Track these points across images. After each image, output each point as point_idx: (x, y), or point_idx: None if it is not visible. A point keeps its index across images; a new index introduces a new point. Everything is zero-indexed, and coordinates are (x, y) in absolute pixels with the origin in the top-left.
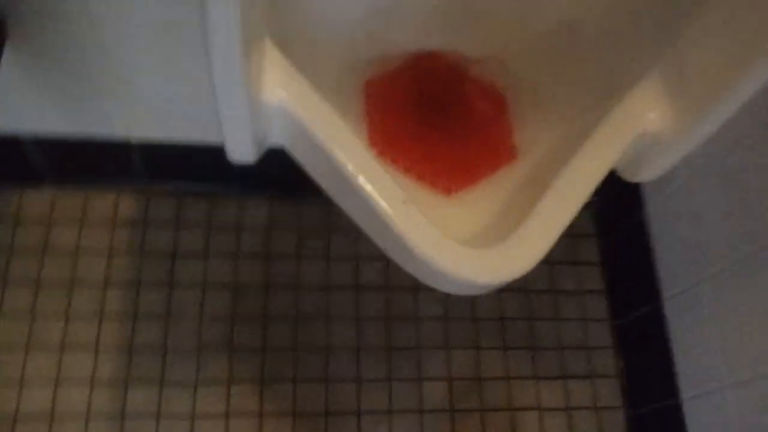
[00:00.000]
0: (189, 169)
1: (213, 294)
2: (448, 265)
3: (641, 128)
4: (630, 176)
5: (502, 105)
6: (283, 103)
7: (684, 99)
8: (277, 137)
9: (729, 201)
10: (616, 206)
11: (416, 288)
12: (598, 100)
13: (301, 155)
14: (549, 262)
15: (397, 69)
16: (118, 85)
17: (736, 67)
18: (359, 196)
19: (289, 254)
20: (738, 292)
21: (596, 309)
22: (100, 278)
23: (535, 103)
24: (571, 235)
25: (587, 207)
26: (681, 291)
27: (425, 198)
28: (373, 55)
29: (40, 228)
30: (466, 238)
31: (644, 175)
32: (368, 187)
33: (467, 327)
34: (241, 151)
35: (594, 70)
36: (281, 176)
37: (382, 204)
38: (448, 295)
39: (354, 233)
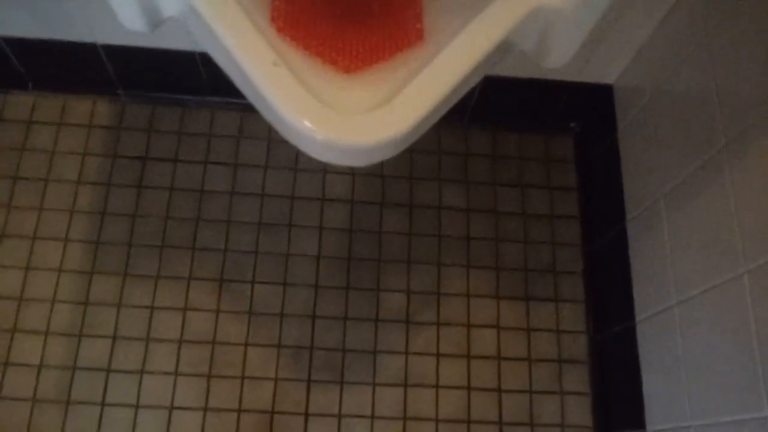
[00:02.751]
0: (162, 77)
1: (180, 197)
2: (312, 125)
3: (535, 3)
4: (542, 60)
5: None
6: None
7: None
8: (167, 7)
9: (679, 120)
10: (593, 132)
11: (382, 203)
12: None
13: (191, 26)
14: (523, 185)
15: None
16: None
17: None
18: (231, 58)
19: (256, 164)
20: (684, 210)
21: (568, 234)
22: (73, 177)
23: None
24: (550, 160)
25: (567, 132)
26: (641, 212)
27: (323, 74)
28: None
29: (21, 128)
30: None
31: (554, 57)
32: (237, 49)
33: (431, 243)
34: (131, 19)
35: None
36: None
37: (249, 64)
38: (412, 212)
39: None
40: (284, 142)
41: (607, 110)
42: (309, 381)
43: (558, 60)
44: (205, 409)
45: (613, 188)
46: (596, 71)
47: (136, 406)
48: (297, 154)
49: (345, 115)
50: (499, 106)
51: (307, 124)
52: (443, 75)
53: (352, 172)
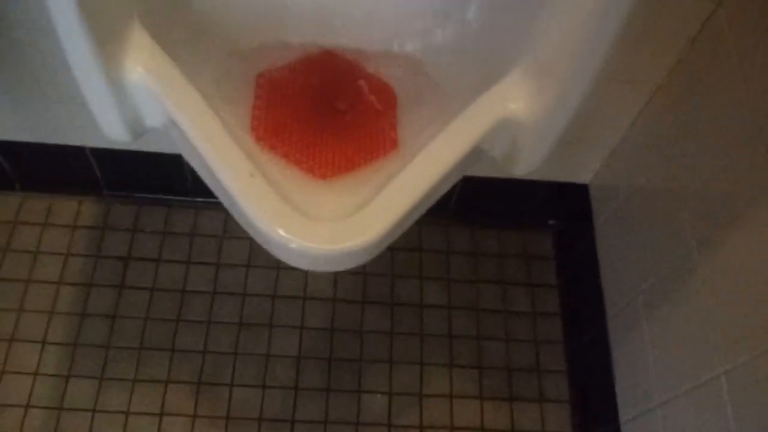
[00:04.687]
0: (147, 178)
1: (161, 297)
2: (284, 234)
3: (503, 114)
4: (511, 168)
5: (391, 100)
6: (143, 81)
7: (542, 83)
8: (150, 118)
9: (652, 219)
10: (572, 229)
11: (363, 301)
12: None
13: (173, 137)
14: (504, 282)
15: (292, 62)
16: (63, 94)
17: (581, 47)
18: (209, 168)
19: (239, 263)
20: (662, 308)
21: (550, 331)
22: (55, 277)
23: (420, 99)
24: (530, 256)
25: (546, 229)
26: (620, 309)
27: (300, 181)
28: (268, 47)
29: (5, 229)
30: (334, 220)
31: (522, 165)
32: (215, 161)
33: (413, 342)
34: (113, 130)
35: (475, 68)
36: None
37: (226, 176)
38: (393, 310)
39: None
40: None
41: (583, 208)
42: None
43: (526, 167)
44: None
45: (592, 285)
46: (571, 171)
47: None
48: None
49: (317, 223)
50: (478, 205)
51: (281, 232)
52: (414, 182)
53: (334, 276)
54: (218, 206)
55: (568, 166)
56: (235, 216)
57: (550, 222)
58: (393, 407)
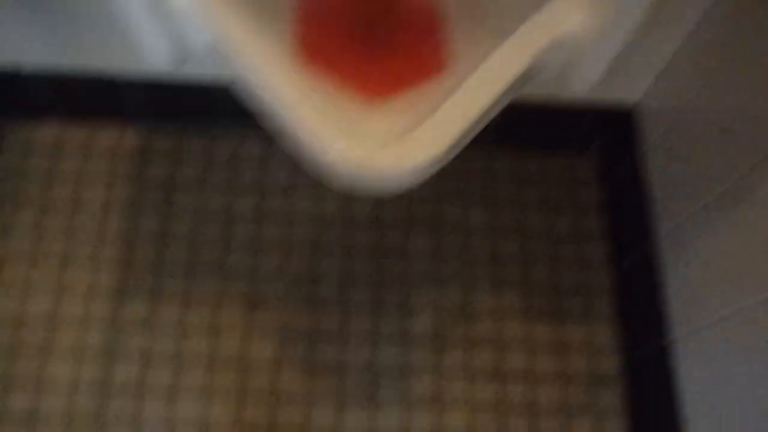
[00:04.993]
0: (187, 105)
1: (207, 222)
2: (339, 154)
3: (559, 31)
4: (565, 87)
5: (439, 19)
6: (186, 2)
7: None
8: (194, 41)
9: (703, 142)
10: (616, 152)
11: (409, 223)
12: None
13: (218, 59)
14: (548, 204)
15: None
16: (104, 19)
17: None
18: (258, 90)
19: (281, 189)
20: (722, 226)
21: (595, 253)
22: (100, 202)
23: (471, 17)
24: (573, 180)
25: (589, 153)
26: (673, 229)
27: (347, 104)
28: None
29: (48, 157)
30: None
31: (577, 83)
32: (264, 81)
33: (459, 264)
34: (155, 56)
35: None
36: None
37: (277, 96)
38: (438, 232)
39: None
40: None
41: (628, 131)
42: (339, 399)
43: (581, 86)
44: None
45: (638, 208)
46: (618, 93)
47: (173, 423)
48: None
49: (372, 143)
50: (522, 128)
51: (335, 153)
52: (467, 104)
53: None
54: (259, 133)
55: (615, 88)
56: (285, 137)
57: (593, 145)
58: (439, 324)
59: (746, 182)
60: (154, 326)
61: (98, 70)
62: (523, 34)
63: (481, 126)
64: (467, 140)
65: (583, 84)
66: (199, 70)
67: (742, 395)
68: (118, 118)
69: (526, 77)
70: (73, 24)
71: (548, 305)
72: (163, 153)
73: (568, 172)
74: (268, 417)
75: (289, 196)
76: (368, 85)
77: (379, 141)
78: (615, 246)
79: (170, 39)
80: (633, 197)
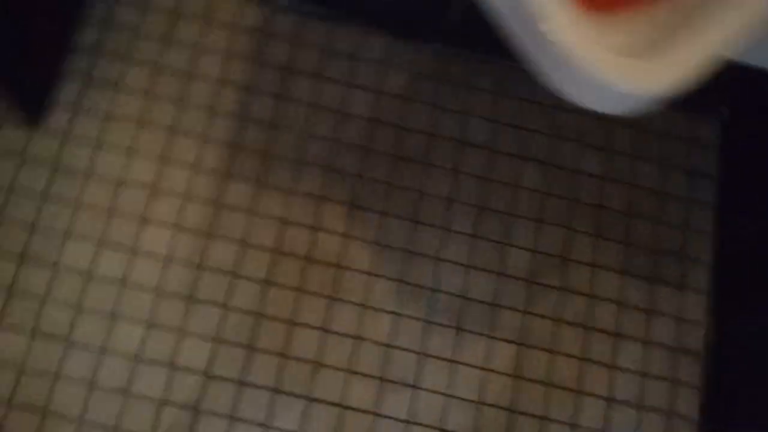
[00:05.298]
0: None
1: (319, 115)
2: (598, 71)
3: None
4: None
5: None
6: None
7: None
8: None
9: None
10: (746, 119)
11: (521, 156)
12: None
13: None
14: (664, 163)
15: None
16: None
17: None
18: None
19: (398, 95)
20: None
21: (702, 220)
22: (215, 76)
23: None
24: (694, 142)
25: (715, 116)
26: None
27: (585, 16)
28: None
29: (166, 19)
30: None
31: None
32: None
33: (564, 206)
34: None
35: None
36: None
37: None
38: (550, 171)
39: (464, 88)
40: (428, 76)
41: (762, 97)
42: (427, 322)
43: None
44: (324, 330)
45: (759, 179)
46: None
47: (258, 315)
48: (439, 89)
49: (631, 60)
50: None
51: (602, 71)
52: (716, 33)
53: (497, 120)
54: (380, 32)
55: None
56: (534, 54)
57: (720, 108)
58: (535, 264)
59: None
60: (254, 214)
61: None
62: None
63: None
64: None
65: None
66: None
67: None
68: None
69: None
70: None
71: (645, 267)
72: (284, 37)
73: (692, 132)
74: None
75: (406, 104)
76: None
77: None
78: (724, 216)
79: None
80: (754, 168)
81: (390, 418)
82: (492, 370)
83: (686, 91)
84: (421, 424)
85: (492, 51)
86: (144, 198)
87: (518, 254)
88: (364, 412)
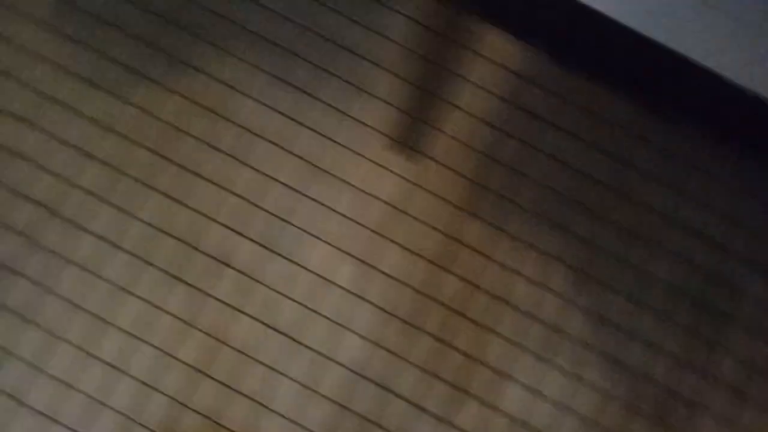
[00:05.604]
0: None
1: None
2: None
3: None
4: None
5: None
6: None
7: None
8: None
9: None
10: None
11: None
12: None
13: None
14: None
15: None
16: None
17: None
18: None
19: (647, 171)
20: None
21: None
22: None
23: None
24: None
25: None
26: None
27: None
28: None
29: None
30: None
31: None
32: None
33: None
34: None
35: None
36: None
37: None
38: None
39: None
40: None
41: None
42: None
43: None
44: (531, 391)
45: None
46: None
47: (473, 360)
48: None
49: None
50: None
51: None
52: None
53: None
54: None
55: None
56: None
57: None
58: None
59: None
60: (488, 257)
61: None
62: None
63: None
64: None
65: None
66: None
67: None
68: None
69: None
70: None
71: None
72: (544, 85)
73: None
74: None
75: (647, 181)
76: None
77: None
78: None
79: None
80: None
81: None
82: None
83: None
84: None
85: None
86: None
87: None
88: None
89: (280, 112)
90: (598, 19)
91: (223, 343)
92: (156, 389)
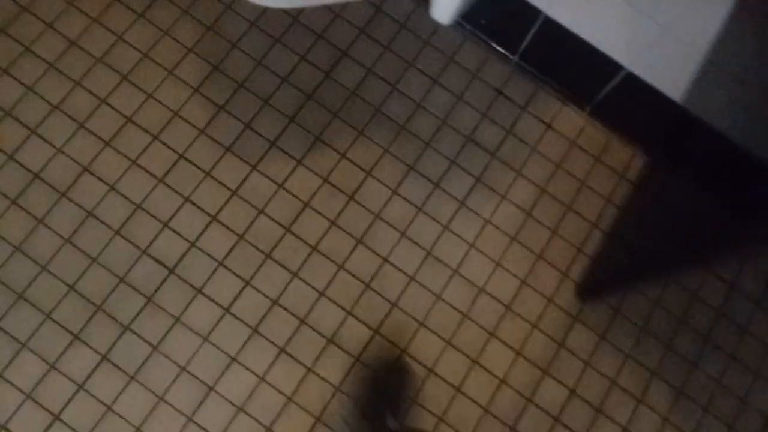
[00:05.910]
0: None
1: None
2: None
3: None
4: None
5: None
6: None
7: None
8: None
9: None
10: None
11: None
12: None
13: None
14: None
15: None
16: None
17: None
18: None
19: (748, 296)
20: None
21: None
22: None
23: None
24: None
25: None
26: None
27: None
28: None
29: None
30: None
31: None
32: None
33: None
34: None
35: None
36: None
37: None
38: None
39: None
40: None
41: None
42: None
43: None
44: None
45: None
46: None
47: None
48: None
49: None
50: None
51: None
52: None
53: None
54: None
55: None
56: None
57: None
58: None
59: None
60: (588, 364)
61: None
62: None
63: None
64: None
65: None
66: None
67: None
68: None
69: None
70: None
71: None
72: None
73: None
74: None
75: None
76: None
77: None
78: None
79: None
80: None
81: None
82: None
83: None
84: None
85: None
86: (496, 317)
87: None
88: None
89: (409, 201)
90: None
91: None
92: None
